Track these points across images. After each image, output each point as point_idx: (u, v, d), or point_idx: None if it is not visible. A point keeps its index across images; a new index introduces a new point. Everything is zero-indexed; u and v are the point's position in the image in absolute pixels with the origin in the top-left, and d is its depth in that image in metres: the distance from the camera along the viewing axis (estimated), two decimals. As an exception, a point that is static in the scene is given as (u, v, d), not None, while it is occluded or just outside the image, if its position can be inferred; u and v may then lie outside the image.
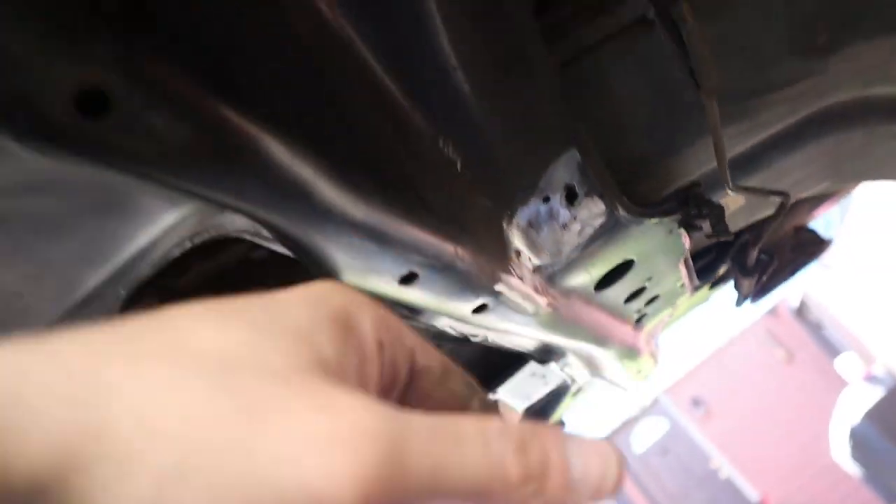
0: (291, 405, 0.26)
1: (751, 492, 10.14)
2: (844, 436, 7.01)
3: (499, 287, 0.85)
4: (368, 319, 0.34)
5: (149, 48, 0.50)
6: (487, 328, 0.97)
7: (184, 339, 0.28)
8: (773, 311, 10.82)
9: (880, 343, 7.78)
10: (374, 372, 0.34)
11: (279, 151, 0.57)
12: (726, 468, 10.42)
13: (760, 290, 1.58)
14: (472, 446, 0.29)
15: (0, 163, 0.52)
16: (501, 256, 0.86)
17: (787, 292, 10.24)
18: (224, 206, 0.63)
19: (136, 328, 0.28)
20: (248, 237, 0.72)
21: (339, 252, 0.67)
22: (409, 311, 0.87)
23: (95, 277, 0.68)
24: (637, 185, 1.02)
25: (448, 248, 0.75)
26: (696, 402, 10.87)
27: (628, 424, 11.25)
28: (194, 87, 0.52)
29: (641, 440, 11.18)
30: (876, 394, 6.98)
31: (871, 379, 7.27)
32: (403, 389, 0.38)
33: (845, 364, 7.60)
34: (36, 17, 0.45)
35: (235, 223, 0.70)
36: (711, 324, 10.64)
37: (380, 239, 0.68)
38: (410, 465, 0.27)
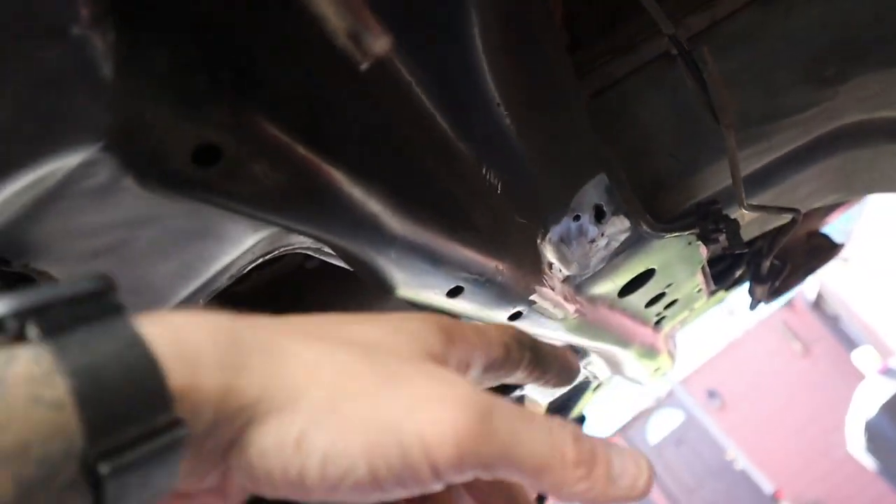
0: (413, 375, 0.36)
1: (765, 484, 10.20)
2: (860, 429, 7.05)
3: (533, 297, 0.95)
4: (460, 347, 0.42)
5: (255, 108, 0.60)
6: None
7: (337, 330, 0.39)
8: (789, 304, 10.84)
9: (897, 337, 7.81)
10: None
11: (355, 190, 0.67)
12: (741, 460, 10.48)
13: (773, 293, 1.67)
14: (541, 428, 0.36)
15: (123, 199, 0.61)
16: (536, 269, 0.95)
17: (804, 286, 10.23)
18: (304, 234, 0.73)
19: (305, 321, 0.40)
20: (310, 252, 0.82)
21: (397, 271, 0.77)
22: (448, 315, 0.98)
23: (185, 291, 0.78)
24: (658, 201, 1.12)
25: (490, 264, 0.85)
26: (712, 394, 10.91)
27: (644, 415, 11.32)
28: (289, 139, 0.62)
29: (657, 431, 11.24)
30: (892, 387, 7.00)
31: (887, 372, 7.30)
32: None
33: (862, 357, 7.63)
34: (169, 91, 0.55)
35: (302, 241, 0.80)
36: (728, 316, 10.66)
37: (433, 259, 0.78)
38: (495, 429, 0.35)
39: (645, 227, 1.03)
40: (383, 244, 0.73)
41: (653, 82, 1.02)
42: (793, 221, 1.14)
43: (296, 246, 0.80)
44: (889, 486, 8.34)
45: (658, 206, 1.11)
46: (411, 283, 0.80)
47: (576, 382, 1.59)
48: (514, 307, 0.94)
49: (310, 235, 0.70)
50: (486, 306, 0.90)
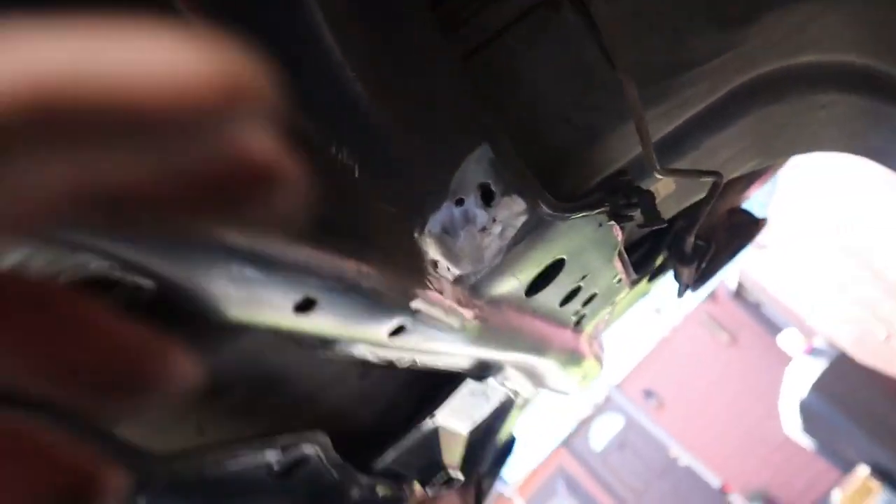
0: None
1: (711, 478, 10.21)
2: (794, 410, 7.11)
3: (416, 304, 0.75)
4: None
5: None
6: (411, 350, 0.88)
7: None
8: (712, 296, 10.96)
9: (818, 316, 7.92)
10: None
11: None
12: (685, 457, 10.48)
13: (700, 278, 1.52)
14: None
15: None
16: (416, 269, 0.77)
17: (724, 276, 10.39)
18: (82, 250, 0.53)
19: None
20: (117, 276, 0.61)
21: (214, 284, 0.57)
22: (319, 342, 0.78)
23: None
24: (560, 178, 0.94)
25: (349, 266, 0.65)
26: (648, 394, 10.92)
27: (584, 424, 11.26)
28: None
29: (599, 438, 11.19)
30: (819, 366, 7.09)
31: (813, 352, 7.40)
32: None
33: (787, 340, 7.73)
34: None
35: (100, 263, 0.59)
36: (655, 315, 10.73)
37: (263, 264, 0.58)
38: None
39: (545, 208, 0.86)
40: (179, 248, 0.53)
41: (536, 34, 0.85)
42: (715, 186, 0.98)
43: (91, 269, 0.60)
44: (828, 464, 8.43)
45: (560, 184, 0.94)
46: (240, 299, 0.60)
47: (497, 402, 1.40)
48: (393, 319, 0.75)
49: (68, 243, 0.50)
50: (353, 321, 0.70)
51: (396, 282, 0.73)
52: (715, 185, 0.97)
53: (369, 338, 0.76)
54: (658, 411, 10.88)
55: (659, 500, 10.54)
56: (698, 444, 10.42)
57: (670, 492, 10.50)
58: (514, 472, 10.65)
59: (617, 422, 11.20)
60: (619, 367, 11.07)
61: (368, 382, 1.15)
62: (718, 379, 10.61)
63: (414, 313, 0.76)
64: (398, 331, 0.77)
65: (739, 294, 10.76)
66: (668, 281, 1.89)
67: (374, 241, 0.70)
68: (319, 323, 0.66)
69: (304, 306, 0.63)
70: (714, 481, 10.19)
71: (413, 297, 0.75)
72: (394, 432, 1.21)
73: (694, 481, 10.38)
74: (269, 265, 0.58)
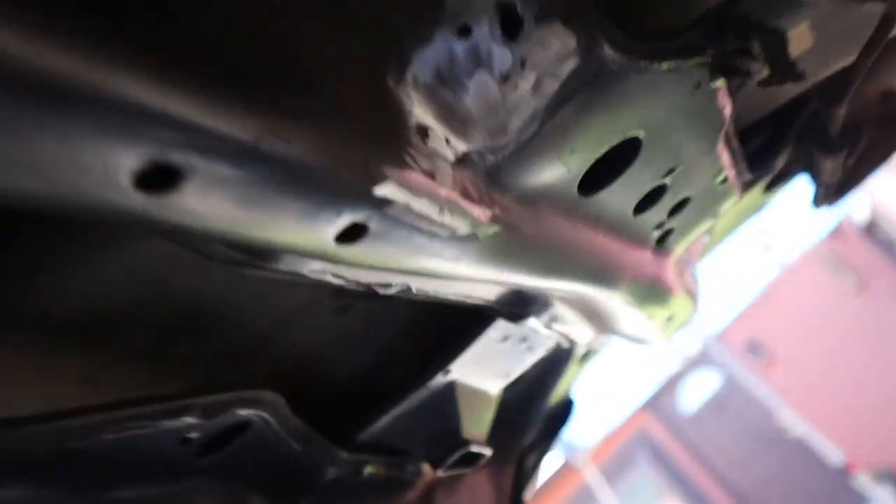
0: None
1: (831, 452, 9.98)
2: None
3: (383, 189, 0.54)
4: None
5: None
6: (390, 269, 0.67)
7: None
8: (837, 231, 10.63)
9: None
10: None
11: None
12: (799, 425, 10.27)
13: (846, 180, 1.26)
14: None
15: None
16: (386, 135, 0.55)
17: (852, 207, 10.02)
18: None
19: None
20: None
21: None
22: (242, 254, 0.58)
23: None
24: (636, 8, 0.72)
25: (241, 119, 0.44)
26: (754, 348, 10.72)
27: (673, 381, 11.13)
28: None
29: (690, 399, 11.07)
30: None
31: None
32: None
33: (931, 286, 7.37)
34: None
35: None
36: (763, 253, 10.46)
37: (62, 101, 0.38)
38: None
39: (608, 49, 0.63)
40: None
41: None
42: (886, 21, 0.74)
43: None
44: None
45: (634, 17, 0.71)
46: (16, 166, 0.39)
47: (544, 352, 1.19)
48: (340, 213, 0.54)
49: None
50: (256, 210, 0.49)
51: (346, 151, 0.51)
52: (886, 20, 0.73)
53: (300, 243, 0.55)
54: (766, 369, 10.67)
55: (763, 476, 10.38)
56: (815, 411, 10.19)
57: (778, 467, 10.32)
58: (585, 435, 10.60)
59: (713, 380, 11.05)
60: (719, 313, 10.88)
61: (350, 320, 0.96)
62: (843, 332, 10.32)
63: (381, 205, 0.55)
64: (353, 233, 0.56)
65: (871, 230, 10.40)
66: (789, 197, 1.65)
67: (300, 83, 0.49)
68: (191, 211, 0.45)
69: (157, 181, 0.42)
70: (833, 456, 9.96)
71: (379, 178, 0.54)
72: (390, 391, 1.02)
73: (808, 455, 10.18)
74: (79, 102, 0.37)
